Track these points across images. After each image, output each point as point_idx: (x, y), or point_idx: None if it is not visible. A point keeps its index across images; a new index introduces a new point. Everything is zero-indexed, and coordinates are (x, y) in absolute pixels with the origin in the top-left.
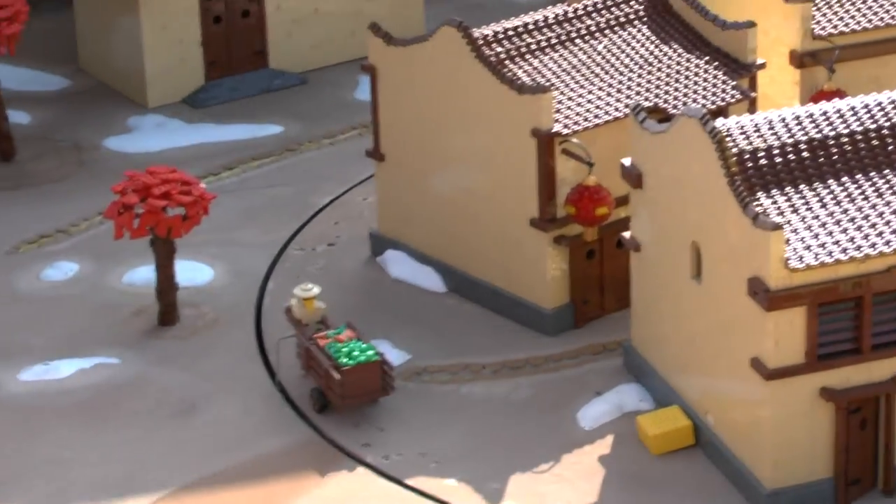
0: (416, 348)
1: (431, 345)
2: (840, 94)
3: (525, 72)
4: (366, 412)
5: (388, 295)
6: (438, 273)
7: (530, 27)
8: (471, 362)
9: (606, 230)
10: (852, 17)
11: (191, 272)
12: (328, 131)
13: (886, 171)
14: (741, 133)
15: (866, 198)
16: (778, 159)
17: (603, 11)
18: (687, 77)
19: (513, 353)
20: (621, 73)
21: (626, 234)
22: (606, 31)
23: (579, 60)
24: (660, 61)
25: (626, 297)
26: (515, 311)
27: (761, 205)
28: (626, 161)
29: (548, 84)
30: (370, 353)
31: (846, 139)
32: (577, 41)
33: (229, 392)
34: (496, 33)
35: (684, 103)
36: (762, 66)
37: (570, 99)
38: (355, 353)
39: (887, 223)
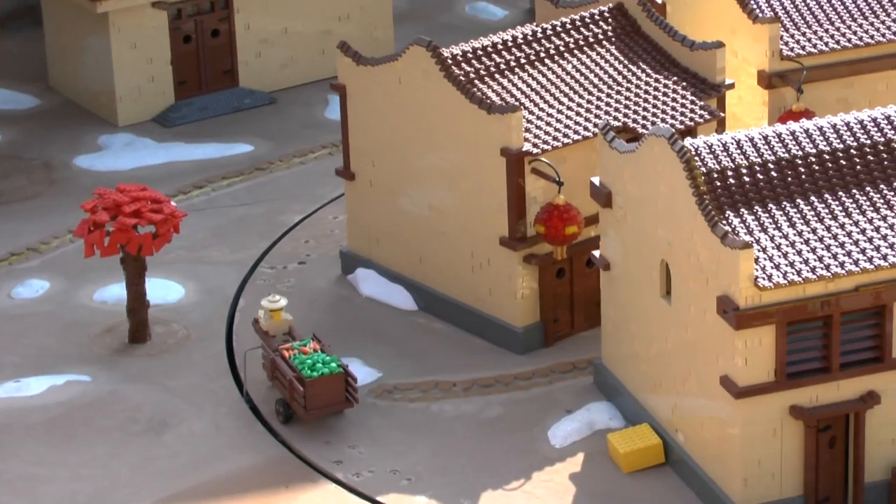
0: (386, 366)
1: (402, 363)
2: (808, 114)
3: (494, 91)
4: (337, 429)
5: (358, 313)
6: (409, 291)
7: (499, 47)
8: (441, 380)
9: (576, 249)
10: (820, 38)
11: (162, 290)
12: (298, 150)
13: (854, 191)
14: (709, 152)
15: (834, 217)
16: (746, 179)
17: (572, 31)
18: (655, 97)
19: (483, 371)
20: (590, 93)
21: (596, 253)
22: (575, 52)
23: (548, 80)
24: (628, 81)
25: (596, 315)
26: (486, 329)
27: (730, 224)
28: (596, 180)
29: (517, 103)
30: (333, 365)
31: (814, 159)
32: (546, 61)
33: (200, 409)
34: (465, 53)
35: (653, 123)
36: (731, 86)
37: (539, 118)
38: (319, 364)
39: (855, 242)
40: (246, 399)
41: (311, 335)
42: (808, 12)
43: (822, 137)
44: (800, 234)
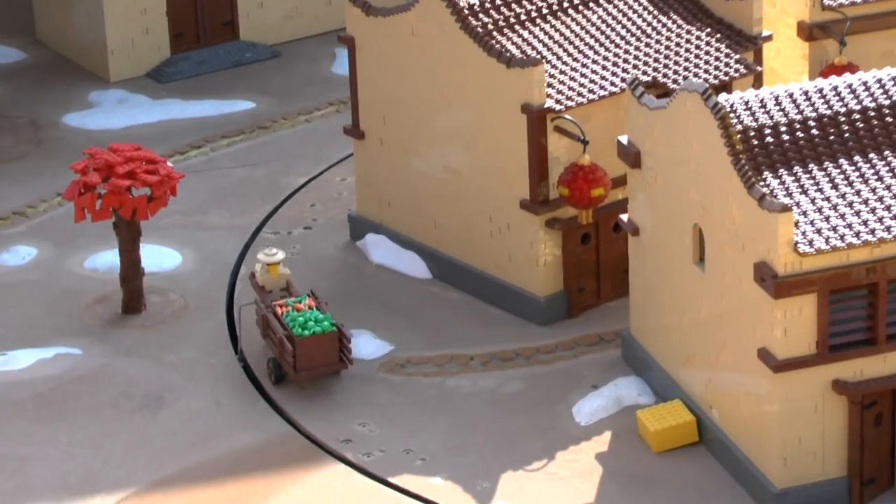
0: (399, 339)
1: (415, 335)
2: (851, 68)
3: (514, 44)
4: (346, 406)
5: (368, 282)
6: (422, 258)
7: None
8: (458, 353)
9: (603, 213)
10: None
11: (157, 257)
12: (303, 108)
13: None
14: (746, 109)
15: (880, 178)
16: (785, 137)
17: None
18: (688, 50)
19: (503, 343)
20: (617, 46)
21: (624, 217)
22: (601, 1)
23: (572, 32)
24: (658, 33)
25: (623, 284)
26: (505, 299)
27: (768, 185)
28: (623, 139)
29: (538, 57)
30: (326, 323)
31: (858, 116)
32: (570, 11)
33: (199, 383)
34: (483, 2)
35: (685, 77)
36: (768, 38)
37: (562, 73)
38: (311, 322)
39: None
40: (239, 358)
41: (306, 291)
42: None
43: (866, 93)
44: (843, 196)
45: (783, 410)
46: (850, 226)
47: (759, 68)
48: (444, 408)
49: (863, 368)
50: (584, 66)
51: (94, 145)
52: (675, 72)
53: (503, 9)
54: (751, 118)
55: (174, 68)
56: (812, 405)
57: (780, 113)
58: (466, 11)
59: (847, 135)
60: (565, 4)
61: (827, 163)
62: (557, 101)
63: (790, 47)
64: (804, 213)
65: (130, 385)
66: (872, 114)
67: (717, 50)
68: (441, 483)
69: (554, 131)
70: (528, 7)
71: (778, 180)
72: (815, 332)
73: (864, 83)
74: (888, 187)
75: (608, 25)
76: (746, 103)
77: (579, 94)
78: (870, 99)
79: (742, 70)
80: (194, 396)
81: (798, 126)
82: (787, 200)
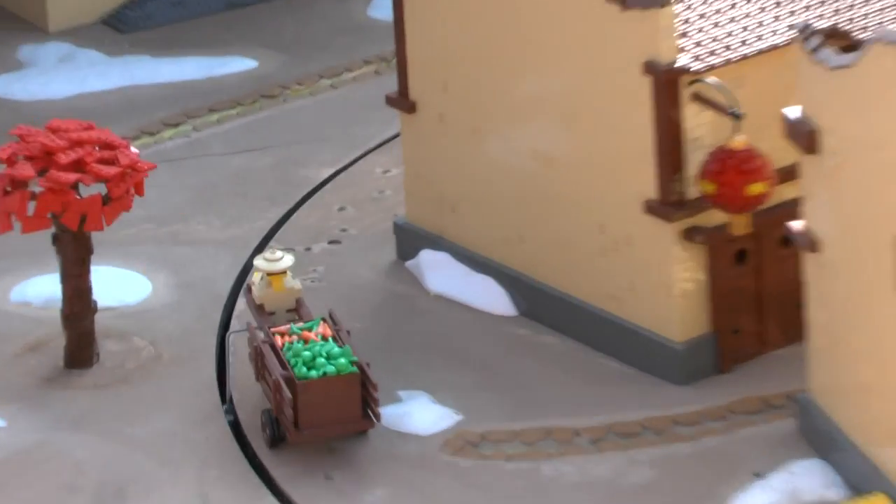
0: (469, 404)
1: (493, 399)
2: None
3: None
4: (393, 499)
5: (424, 321)
6: (503, 286)
7: None
8: (557, 426)
9: (765, 219)
10: None
11: (117, 285)
12: (327, 68)
13: None
14: None
15: None
16: None
17: None
18: None
19: (622, 411)
20: None
21: (797, 226)
22: None
23: None
24: None
25: (798, 323)
26: (625, 345)
27: None
28: (793, 112)
29: None
30: (343, 360)
31: None
32: None
33: (177, 469)
34: None
35: (879, 24)
36: None
37: (701, 17)
38: (321, 359)
39: None
40: (226, 409)
41: (321, 315)
42: None
43: None
44: None
45: None
46: None
47: None
48: None
49: None
50: (732, 7)
51: (27, 123)
52: (864, 16)
53: None
54: None
55: (141, 12)
56: None
57: None
58: None
59: None
60: None
61: None
62: (696, 58)
63: None
64: None
65: (78, 472)
66: None
67: None
68: None
69: (692, 101)
70: None
71: None
72: None
73: None
74: None
75: None
76: None
77: (727, 48)
78: None
79: None
80: (171, 488)
81: None
82: None
